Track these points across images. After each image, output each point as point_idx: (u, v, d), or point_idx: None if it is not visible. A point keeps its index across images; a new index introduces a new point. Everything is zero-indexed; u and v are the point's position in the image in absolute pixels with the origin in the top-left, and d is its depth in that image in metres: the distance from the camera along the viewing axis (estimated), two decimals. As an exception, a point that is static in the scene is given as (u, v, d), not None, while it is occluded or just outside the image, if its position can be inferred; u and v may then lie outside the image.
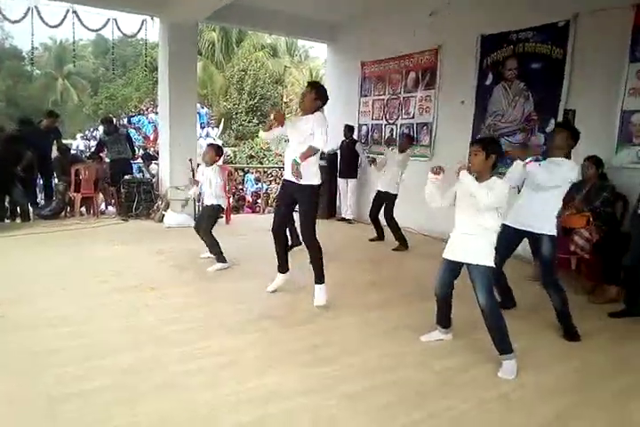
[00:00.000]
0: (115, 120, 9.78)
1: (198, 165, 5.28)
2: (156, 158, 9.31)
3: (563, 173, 3.32)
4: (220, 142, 16.55)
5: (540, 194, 3.39)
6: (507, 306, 3.83)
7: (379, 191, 6.28)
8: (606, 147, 4.93)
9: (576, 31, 5.29)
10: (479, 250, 2.82)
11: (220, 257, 4.87)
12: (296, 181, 3.70)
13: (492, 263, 2.81)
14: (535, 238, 3.47)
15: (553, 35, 5.50)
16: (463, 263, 2.90)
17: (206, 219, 5.00)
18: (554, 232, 3.41)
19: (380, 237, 6.50)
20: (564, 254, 4.44)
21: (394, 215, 6.14)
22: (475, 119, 6.45)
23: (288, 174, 3.81)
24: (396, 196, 6.11)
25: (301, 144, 3.73)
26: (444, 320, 3.20)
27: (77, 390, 2.47)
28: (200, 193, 5.18)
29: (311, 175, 3.75)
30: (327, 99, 3.88)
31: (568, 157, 3.46)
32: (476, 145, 2.84)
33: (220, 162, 5.16)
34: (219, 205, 5.05)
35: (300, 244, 4.64)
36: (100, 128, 9.94)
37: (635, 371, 2.93)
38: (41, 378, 2.60)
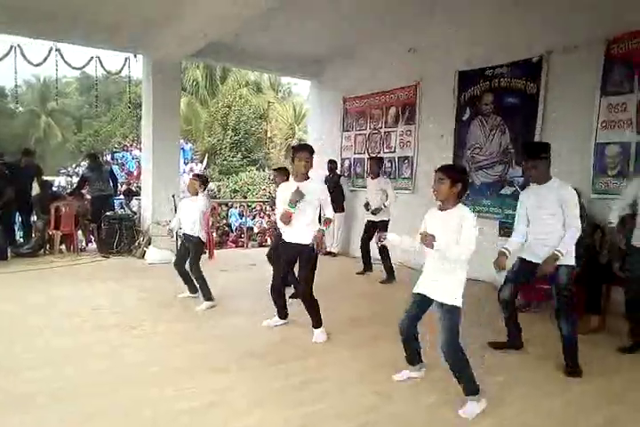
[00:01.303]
0: (99, 156, 9.78)
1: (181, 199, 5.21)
2: (138, 194, 9.28)
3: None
4: (205, 192, 16.60)
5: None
6: (514, 346, 3.77)
7: (369, 221, 6.32)
8: (583, 179, 5.04)
9: (549, 66, 5.50)
10: (447, 288, 2.75)
11: (208, 294, 4.76)
12: (302, 242, 3.82)
13: (459, 303, 2.73)
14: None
15: (527, 70, 5.70)
16: (432, 299, 2.83)
17: (193, 254, 4.85)
18: (571, 262, 3.39)
19: (368, 268, 6.47)
20: (545, 285, 4.45)
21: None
22: (454, 152, 6.58)
23: (294, 237, 3.88)
24: (387, 222, 6.16)
25: (310, 208, 3.87)
26: (413, 358, 3.12)
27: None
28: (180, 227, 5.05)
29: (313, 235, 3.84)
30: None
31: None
32: (441, 172, 2.79)
33: (204, 192, 5.09)
34: (202, 240, 4.92)
35: None
36: (83, 164, 9.92)
37: (621, 403, 2.90)
38: (17, 423, 2.49)
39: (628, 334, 3.86)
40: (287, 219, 3.79)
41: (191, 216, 4.88)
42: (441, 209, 2.84)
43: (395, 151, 7.58)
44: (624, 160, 4.82)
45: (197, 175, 5.34)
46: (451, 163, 6.49)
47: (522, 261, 3.65)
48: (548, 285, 4.34)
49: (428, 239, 2.67)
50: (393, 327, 4.10)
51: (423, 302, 2.89)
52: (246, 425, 2.52)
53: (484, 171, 6.22)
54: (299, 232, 3.86)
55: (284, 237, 3.98)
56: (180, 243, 4.96)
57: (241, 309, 4.75)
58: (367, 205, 6.37)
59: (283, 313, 4.24)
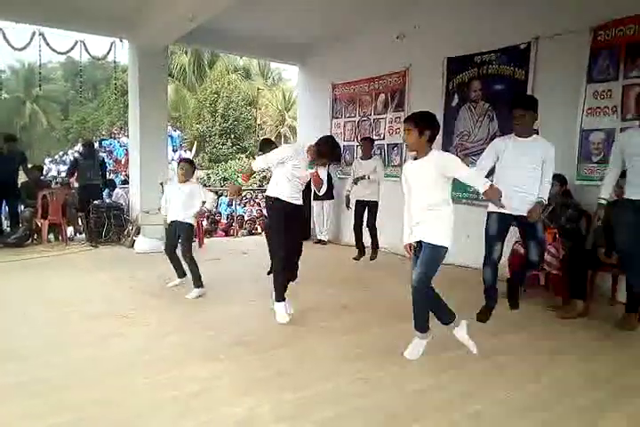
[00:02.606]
0: (94, 144, 9.66)
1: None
2: (126, 183, 9.23)
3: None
4: (195, 177, 16.53)
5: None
6: (493, 306, 3.89)
7: (359, 201, 6.35)
8: (568, 165, 5.07)
9: (537, 53, 5.50)
10: (434, 229, 2.83)
11: (199, 281, 4.75)
12: (297, 203, 4.04)
13: (443, 242, 2.82)
14: (529, 222, 3.64)
15: (515, 57, 5.70)
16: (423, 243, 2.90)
17: (186, 241, 4.81)
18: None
19: (363, 253, 6.49)
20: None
21: (376, 224, 6.24)
22: (443, 139, 6.57)
23: (293, 198, 4.00)
24: (377, 202, 6.26)
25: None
26: (421, 324, 3.17)
27: (45, 424, 2.38)
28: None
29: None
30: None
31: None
32: (407, 122, 2.82)
33: (194, 179, 5.03)
34: (190, 224, 4.86)
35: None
36: (70, 152, 9.81)
37: (604, 386, 2.95)
38: (5, 413, 2.49)
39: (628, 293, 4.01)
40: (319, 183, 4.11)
41: (183, 203, 4.79)
42: (416, 159, 2.87)
43: (384, 138, 7.57)
44: (608, 147, 4.85)
45: (184, 160, 5.25)
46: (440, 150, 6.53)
47: (500, 216, 3.73)
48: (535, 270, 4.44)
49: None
50: (382, 313, 4.17)
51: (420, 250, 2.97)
52: (235, 413, 2.54)
53: (473, 158, 6.23)
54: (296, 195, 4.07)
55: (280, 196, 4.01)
56: (169, 230, 4.91)
57: (230, 297, 4.76)
58: (357, 180, 6.35)
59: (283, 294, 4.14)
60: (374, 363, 3.19)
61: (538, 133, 4.01)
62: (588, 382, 3.00)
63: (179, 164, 5.06)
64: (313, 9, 6.92)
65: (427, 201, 2.80)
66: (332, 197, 8.08)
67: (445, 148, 6.48)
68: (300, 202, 4.08)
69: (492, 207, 3.75)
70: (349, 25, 7.56)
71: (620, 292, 4.42)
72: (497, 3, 5.82)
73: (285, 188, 3.96)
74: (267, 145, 5.49)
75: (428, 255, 2.79)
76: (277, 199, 3.96)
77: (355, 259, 6.53)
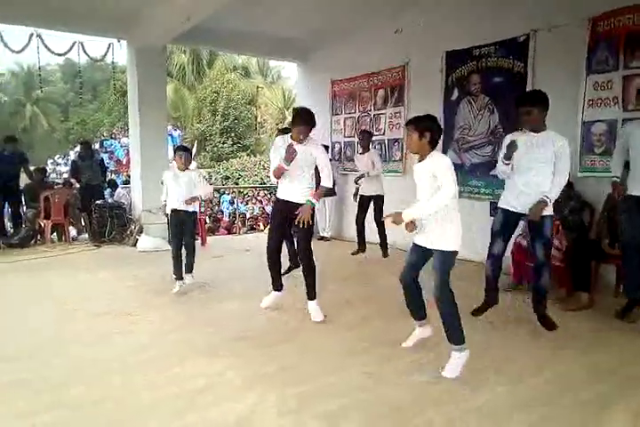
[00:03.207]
0: (92, 144, 9.70)
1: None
2: (127, 183, 9.24)
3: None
4: (194, 164, 16.50)
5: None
6: (492, 302, 3.86)
7: (363, 196, 6.31)
8: (570, 157, 5.04)
9: (535, 45, 5.47)
10: (441, 234, 2.82)
11: (191, 268, 4.83)
12: (297, 201, 3.88)
13: (451, 247, 2.81)
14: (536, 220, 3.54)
15: (513, 49, 5.67)
16: (429, 249, 2.89)
17: (191, 229, 4.83)
18: (551, 212, 3.52)
19: (363, 248, 6.45)
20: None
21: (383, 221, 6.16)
22: (443, 134, 6.52)
23: (289, 196, 3.95)
24: (382, 196, 6.19)
25: (303, 173, 3.91)
26: (416, 312, 3.17)
27: (44, 421, 2.39)
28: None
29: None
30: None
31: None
32: (409, 125, 2.85)
33: (193, 166, 4.98)
34: (194, 212, 4.88)
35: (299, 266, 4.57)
36: (72, 153, 9.84)
37: (606, 379, 2.93)
38: (9, 410, 2.51)
39: (622, 292, 4.00)
40: (279, 173, 3.86)
41: (183, 191, 4.74)
42: (419, 160, 2.89)
43: (384, 134, 7.55)
44: (610, 138, 4.84)
45: (180, 147, 5.14)
46: (441, 144, 6.50)
47: (505, 212, 3.68)
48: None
49: (409, 227, 2.87)
50: (385, 309, 4.17)
51: (421, 252, 2.95)
52: (240, 407, 2.54)
53: (474, 151, 6.23)
54: (293, 191, 3.94)
55: (278, 195, 4.03)
56: (171, 220, 4.90)
57: (232, 293, 4.76)
58: (358, 178, 6.34)
59: (277, 284, 4.22)
60: (378, 357, 3.19)
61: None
62: (592, 375, 2.99)
63: (175, 152, 4.98)
64: (311, 5, 6.90)
65: (442, 204, 2.81)
66: (335, 194, 8.07)
67: (447, 142, 6.47)
68: (296, 199, 3.91)
69: (500, 203, 3.74)
70: (348, 21, 7.53)
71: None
72: (495, -5, 5.79)
73: (281, 184, 3.97)
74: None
75: (440, 263, 2.82)
76: (277, 199, 4.00)
77: (352, 254, 6.46)
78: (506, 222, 3.72)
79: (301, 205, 3.85)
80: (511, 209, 3.64)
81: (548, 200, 3.42)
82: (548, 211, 3.50)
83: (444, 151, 6.49)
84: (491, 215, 5.85)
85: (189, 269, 4.83)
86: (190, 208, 4.79)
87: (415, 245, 3.01)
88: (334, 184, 7.90)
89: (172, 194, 4.81)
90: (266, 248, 4.11)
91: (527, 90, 5.52)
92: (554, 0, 5.21)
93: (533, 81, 5.49)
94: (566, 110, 5.15)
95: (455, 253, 2.84)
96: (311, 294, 3.98)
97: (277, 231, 4.10)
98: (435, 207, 2.77)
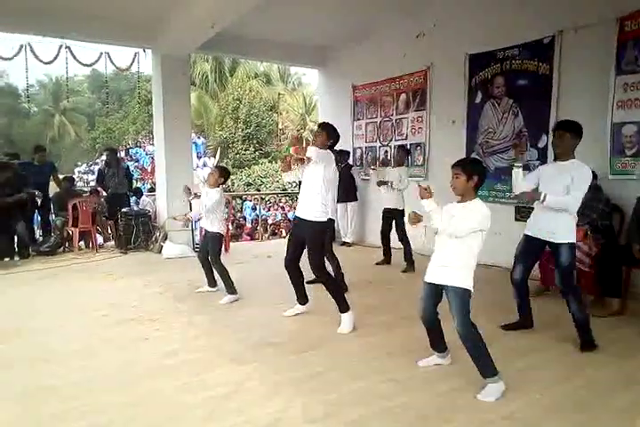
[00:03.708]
0: (118, 151, 9.84)
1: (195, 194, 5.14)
2: (153, 190, 9.36)
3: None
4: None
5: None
6: (524, 326, 3.78)
7: (386, 209, 6.28)
8: (600, 159, 4.95)
9: (561, 47, 5.39)
10: (454, 272, 2.76)
11: (231, 288, 4.75)
12: (302, 216, 3.90)
13: (467, 285, 2.74)
14: (554, 247, 3.47)
15: (538, 51, 5.60)
16: (442, 286, 2.83)
17: (212, 250, 4.80)
18: (572, 240, 3.41)
19: (388, 260, 6.44)
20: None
21: (407, 234, 6.07)
22: (467, 138, 6.50)
23: (299, 212, 3.98)
24: (402, 211, 6.10)
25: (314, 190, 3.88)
26: (438, 345, 3.12)
27: (79, 426, 2.42)
28: (199, 217, 5.04)
29: (320, 212, 3.88)
30: (338, 137, 4.01)
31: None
32: (456, 168, 2.82)
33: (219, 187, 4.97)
34: (220, 233, 4.87)
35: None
36: (98, 161, 10.00)
37: (639, 386, 2.86)
38: (41, 415, 2.55)
39: None
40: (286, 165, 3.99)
41: (206, 209, 4.81)
42: (460, 202, 2.85)
43: (406, 138, 7.51)
44: (642, 139, 4.73)
45: (218, 167, 5.27)
46: (465, 156, 6.41)
47: (527, 238, 3.63)
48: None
49: (422, 192, 2.80)
50: (408, 315, 4.12)
51: (435, 289, 2.88)
52: (267, 413, 2.54)
53: (499, 155, 6.15)
54: (301, 206, 3.97)
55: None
56: (202, 234, 4.96)
57: (257, 300, 4.78)
58: (381, 183, 6.26)
59: (300, 298, 4.25)
60: (404, 363, 3.16)
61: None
62: (625, 383, 2.92)
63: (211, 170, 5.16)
64: (331, 11, 6.93)
65: (454, 246, 2.75)
66: (356, 199, 8.06)
67: (470, 145, 6.41)
68: (304, 215, 3.91)
69: (526, 230, 3.67)
70: (368, 26, 7.55)
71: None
72: (518, -3, 5.73)
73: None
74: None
75: (459, 301, 2.74)
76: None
77: (377, 264, 6.46)
78: (525, 247, 3.66)
79: (308, 221, 3.84)
80: (531, 235, 3.59)
81: (542, 196, 3.35)
82: (565, 238, 3.40)
83: (468, 155, 6.43)
84: (515, 220, 5.79)
85: (229, 290, 4.76)
86: (213, 228, 4.80)
87: (427, 283, 2.91)
88: (356, 190, 7.98)
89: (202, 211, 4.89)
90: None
91: (553, 92, 5.46)
92: (579, 0, 5.11)
93: (559, 83, 5.41)
94: (593, 112, 5.06)
95: (470, 292, 2.77)
96: (340, 307, 3.92)
97: (292, 246, 4.05)
98: (436, 223, 2.76)
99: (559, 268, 3.48)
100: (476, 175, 2.78)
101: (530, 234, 3.61)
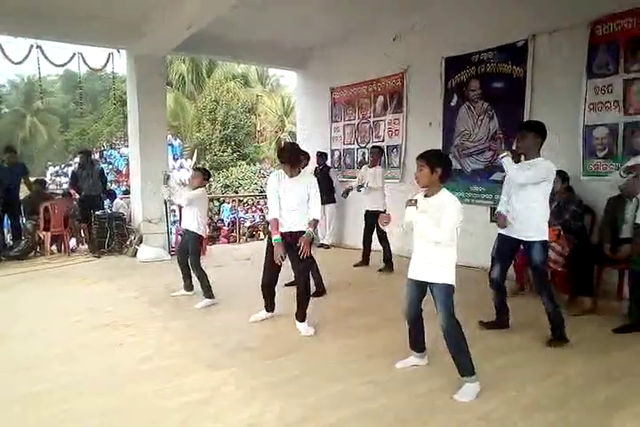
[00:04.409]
0: (91, 154, 9.65)
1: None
2: (127, 193, 9.21)
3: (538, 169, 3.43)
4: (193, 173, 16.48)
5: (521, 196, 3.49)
6: (500, 326, 3.81)
7: (367, 211, 6.28)
8: (573, 161, 5.04)
9: (534, 50, 5.47)
10: (438, 268, 2.79)
11: (208, 292, 4.69)
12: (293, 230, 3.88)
13: (451, 280, 2.78)
14: (527, 245, 3.53)
15: (512, 55, 5.68)
16: (427, 283, 2.86)
17: (192, 251, 4.74)
18: (544, 238, 3.47)
19: (365, 261, 6.44)
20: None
21: (385, 235, 6.13)
22: (443, 140, 6.55)
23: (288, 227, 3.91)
24: (383, 212, 6.09)
25: (300, 205, 3.88)
26: (418, 344, 3.12)
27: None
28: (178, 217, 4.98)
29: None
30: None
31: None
32: (420, 160, 2.85)
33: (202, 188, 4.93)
34: (200, 235, 4.79)
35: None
36: (72, 162, 9.80)
37: (615, 383, 2.91)
38: (22, 422, 2.51)
39: (628, 314, 3.87)
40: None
41: (185, 209, 4.80)
42: (426, 195, 2.86)
43: (383, 140, 7.54)
44: (612, 142, 4.82)
45: (199, 169, 5.17)
46: (433, 148, 6.47)
47: (501, 237, 3.69)
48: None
49: (410, 203, 2.82)
50: (392, 317, 4.12)
51: (419, 286, 2.90)
52: (243, 418, 2.51)
53: (474, 157, 6.21)
54: (289, 221, 3.91)
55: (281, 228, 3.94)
56: (181, 236, 4.89)
57: (235, 304, 4.72)
58: (359, 187, 6.27)
59: (269, 305, 4.21)
60: (384, 365, 3.15)
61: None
62: (600, 379, 2.96)
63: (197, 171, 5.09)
64: (309, 14, 6.92)
65: (433, 239, 2.78)
66: (334, 201, 8.05)
67: (446, 147, 6.46)
68: (296, 228, 3.89)
69: (499, 228, 3.72)
70: (346, 28, 7.56)
71: (627, 287, 4.37)
72: (493, 1, 5.79)
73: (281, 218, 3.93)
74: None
75: (444, 297, 2.78)
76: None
77: (355, 265, 6.45)
78: (501, 247, 3.72)
79: (302, 233, 3.83)
80: (506, 234, 3.64)
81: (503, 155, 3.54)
82: (537, 236, 3.47)
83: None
84: (491, 221, 5.84)
85: (206, 294, 4.70)
86: (192, 228, 4.75)
87: (411, 280, 2.94)
88: (334, 191, 7.97)
89: (182, 213, 4.94)
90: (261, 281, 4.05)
91: (527, 95, 5.54)
92: (553, 4, 5.20)
93: (533, 86, 5.49)
94: (567, 114, 5.15)
95: (454, 287, 2.81)
96: (299, 316, 3.91)
97: (272, 267, 3.95)
98: (444, 238, 2.74)
99: (532, 265, 3.57)
100: (440, 167, 2.79)
101: (503, 233, 3.67)
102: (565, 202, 4.67)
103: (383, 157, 7.41)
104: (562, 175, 4.67)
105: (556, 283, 4.55)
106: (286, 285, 4.68)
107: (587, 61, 4.97)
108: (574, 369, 3.11)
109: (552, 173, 3.46)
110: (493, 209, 5.88)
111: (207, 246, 7.94)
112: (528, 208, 3.49)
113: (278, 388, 2.87)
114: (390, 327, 3.87)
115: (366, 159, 7.80)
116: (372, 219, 6.21)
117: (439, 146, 6.54)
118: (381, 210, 6.10)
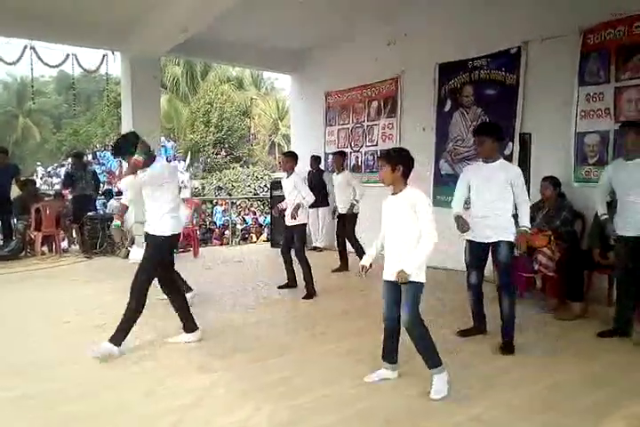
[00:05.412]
0: (84, 155, 9.64)
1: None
2: (120, 194, 9.15)
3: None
4: (187, 175, 16.45)
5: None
6: (480, 331, 3.81)
7: (339, 215, 6.44)
8: (564, 168, 5.09)
9: (527, 58, 5.53)
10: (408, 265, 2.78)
11: (187, 286, 4.67)
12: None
13: (422, 278, 2.78)
14: (494, 245, 3.56)
15: (506, 62, 5.73)
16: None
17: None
18: (510, 238, 3.48)
19: (344, 266, 6.44)
20: (528, 273, 4.52)
21: (355, 236, 6.26)
22: (436, 145, 6.59)
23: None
24: (353, 216, 6.22)
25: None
26: (391, 353, 3.04)
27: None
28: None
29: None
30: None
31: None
32: (380, 159, 2.89)
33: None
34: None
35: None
36: (64, 163, 9.76)
37: (604, 387, 2.92)
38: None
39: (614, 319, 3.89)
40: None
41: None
42: (393, 194, 2.87)
43: (377, 145, 7.58)
44: (603, 148, 4.88)
45: None
46: (433, 156, 6.53)
47: (471, 243, 3.69)
48: (527, 273, 4.44)
49: (401, 277, 2.73)
50: (376, 320, 4.11)
51: (395, 286, 2.87)
52: (233, 421, 2.50)
53: (467, 162, 6.23)
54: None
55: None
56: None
57: (225, 306, 4.71)
58: (334, 213, 6.57)
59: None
60: (374, 368, 3.14)
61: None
62: (589, 384, 2.98)
63: None
64: (305, 18, 6.96)
65: (402, 237, 2.80)
66: (327, 204, 8.05)
67: (439, 152, 6.49)
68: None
69: (466, 235, 3.69)
70: (341, 33, 7.61)
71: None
72: (487, 7, 5.85)
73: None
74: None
75: (411, 294, 2.78)
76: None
77: (333, 271, 6.39)
78: (473, 254, 3.72)
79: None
80: (477, 240, 3.63)
81: (527, 229, 3.50)
82: (505, 237, 3.48)
83: (437, 162, 6.54)
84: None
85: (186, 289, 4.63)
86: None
87: (386, 281, 2.92)
88: (327, 195, 7.99)
89: None
90: None
91: (519, 102, 5.59)
92: (545, 12, 5.26)
93: (525, 93, 5.54)
94: (559, 121, 5.21)
95: (423, 284, 2.81)
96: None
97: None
98: (428, 251, 2.75)
99: (498, 264, 3.59)
100: (401, 164, 2.81)
101: (470, 239, 3.67)
102: (556, 208, 4.71)
103: (375, 162, 7.46)
104: (553, 181, 4.73)
105: (546, 288, 4.59)
106: (279, 287, 4.69)
107: (578, 69, 5.03)
108: (563, 373, 3.12)
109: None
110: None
111: (199, 248, 7.93)
112: (502, 211, 3.52)
113: (269, 390, 2.86)
114: (377, 331, 3.84)
115: (359, 163, 7.84)
116: (343, 221, 6.38)
117: (432, 151, 6.58)
118: (346, 213, 6.21)
